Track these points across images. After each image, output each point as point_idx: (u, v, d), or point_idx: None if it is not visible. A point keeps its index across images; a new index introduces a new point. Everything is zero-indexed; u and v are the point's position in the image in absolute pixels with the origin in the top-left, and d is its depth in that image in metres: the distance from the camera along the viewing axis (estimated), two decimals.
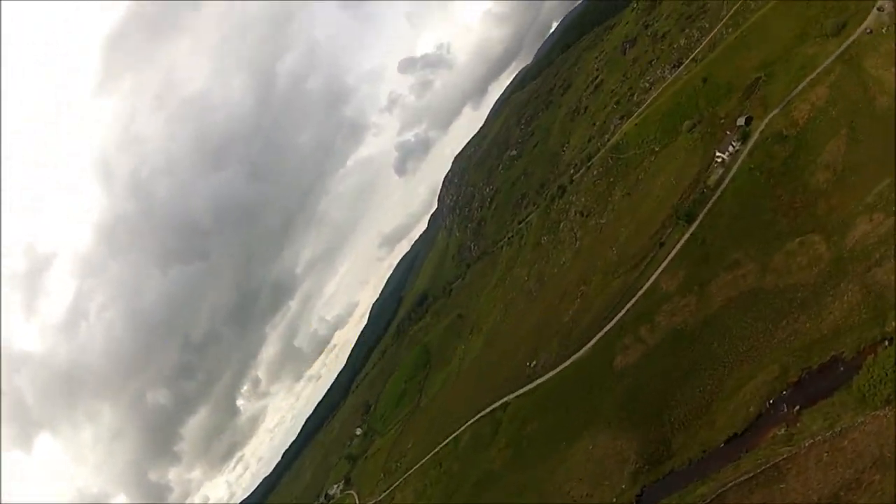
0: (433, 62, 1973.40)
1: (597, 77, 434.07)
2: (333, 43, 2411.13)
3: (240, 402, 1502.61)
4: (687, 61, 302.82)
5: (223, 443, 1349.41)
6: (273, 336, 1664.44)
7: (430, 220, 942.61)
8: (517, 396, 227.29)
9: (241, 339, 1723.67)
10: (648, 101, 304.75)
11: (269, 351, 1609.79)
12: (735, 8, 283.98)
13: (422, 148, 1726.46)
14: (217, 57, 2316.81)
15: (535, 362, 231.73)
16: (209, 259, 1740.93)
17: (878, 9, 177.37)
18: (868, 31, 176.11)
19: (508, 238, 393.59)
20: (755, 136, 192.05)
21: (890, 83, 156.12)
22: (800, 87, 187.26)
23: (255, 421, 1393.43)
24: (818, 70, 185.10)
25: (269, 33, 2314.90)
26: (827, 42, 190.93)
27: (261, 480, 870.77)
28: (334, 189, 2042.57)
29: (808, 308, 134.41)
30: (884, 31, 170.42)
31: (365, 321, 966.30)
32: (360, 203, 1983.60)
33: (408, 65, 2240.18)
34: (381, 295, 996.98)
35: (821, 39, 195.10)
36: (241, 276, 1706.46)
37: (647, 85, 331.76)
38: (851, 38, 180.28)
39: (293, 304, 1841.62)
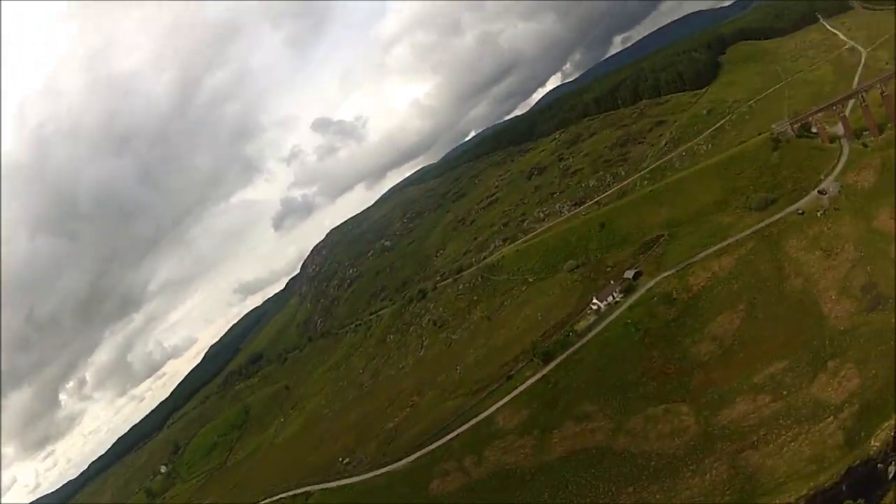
0: (346, 131, 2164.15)
1: (494, 194, 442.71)
2: (264, 76, 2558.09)
3: (62, 397, 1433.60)
4: (590, 202, 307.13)
5: (38, 430, 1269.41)
6: (110, 342, 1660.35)
7: (288, 283, 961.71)
8: (323, 490, 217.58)
9: (80, 334, 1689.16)
10: (538, 231, 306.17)
11: (102, 356, 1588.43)
12: (658, 163, 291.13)
13: (305, 210, 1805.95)
14: (158, 44, 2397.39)
15: (348, 460, 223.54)
16: (76, 241, 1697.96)
17: (820, 192, 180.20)
18: (800, 211, 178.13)
19: (356, 325, 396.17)
20: (640, 292, 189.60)
21: (809, 266, 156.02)
22: (703, 254, 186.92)
23: (72, 420, 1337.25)
24: (729, 240, 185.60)
25: (211, 43, 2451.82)
26: (748, 215, 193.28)
27: (66, 482, 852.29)
28: (210, 220, 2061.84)
29: (662, 479, 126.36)
30: (819, 214, 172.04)
31: (199, 360, 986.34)
32: (230, 243, 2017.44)
33: (321, 125, 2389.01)
34: (221, 339, 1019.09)
35: (742, 211, 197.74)
36: (99, 271, 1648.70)
37: (542, 215, 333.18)
38: (777, 216, 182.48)
39: (137, 318, 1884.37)
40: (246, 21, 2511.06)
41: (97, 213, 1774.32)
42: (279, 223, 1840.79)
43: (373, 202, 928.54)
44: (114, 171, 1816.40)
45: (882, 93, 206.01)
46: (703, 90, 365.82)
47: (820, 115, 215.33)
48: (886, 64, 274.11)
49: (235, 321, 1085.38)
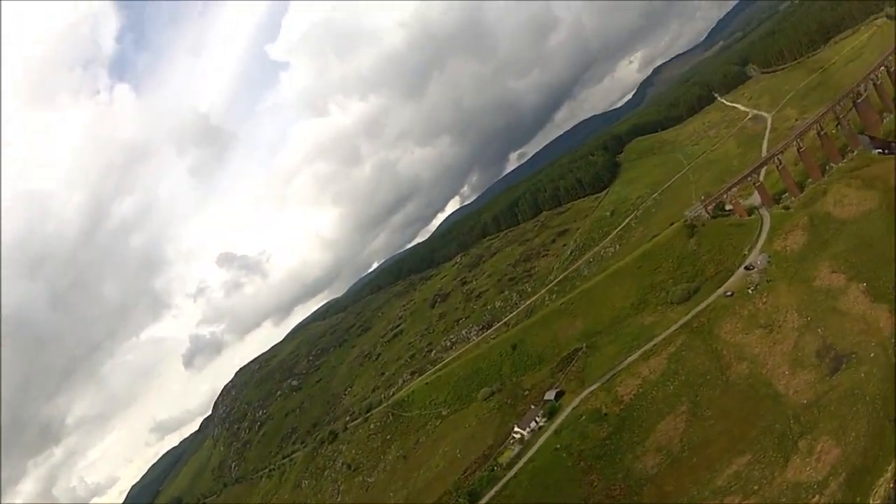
0: (251, 266, 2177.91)
1: (398, 325, 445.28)
2: (170, 205, 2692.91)
3: None
4: (498, 324, 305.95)
5: None
6: (34, 474, 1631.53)
7: (202, 423, 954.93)
8: None
9: (5, 462, 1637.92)
10: (446, 361, 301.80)
11: (28, 488, 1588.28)
12: (566, 274, 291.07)
13: (214, 348, 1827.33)
14: (72, 162, 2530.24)
15: None
16: None
17: (747, 268, 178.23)
18: (728, 293, 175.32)
19: (269, 470, 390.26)
20: (566, 413, 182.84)
21: (752, 347, 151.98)
22: (628, 360, 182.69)
23: None
24: (655, 340, 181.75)
25: (120, 167, 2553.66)
26: (671, 309, 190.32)
27: None
28: (121, 356, 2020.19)
29: None
30: (750, 291, 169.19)
31: (122, 500, 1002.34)
32: (142, 380, 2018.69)
33: (226, 259, 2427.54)
34: (142, 479, 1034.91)
35: (663, 307, 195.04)
36: (16, 399, 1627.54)
37: (449, 343, 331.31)
38: (704, 304, 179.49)
39: (57, 452, 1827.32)
40: (153, 145, 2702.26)
41: (10, 339, 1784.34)
42: (189, 361, 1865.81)
43: (281, 338, 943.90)
44: (26, 296, 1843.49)
45: (799, 149, 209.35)
46: (604, 192, 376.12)
47: (734, 190, 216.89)
48: (796, 121, 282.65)
49: (155, 460, 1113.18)
